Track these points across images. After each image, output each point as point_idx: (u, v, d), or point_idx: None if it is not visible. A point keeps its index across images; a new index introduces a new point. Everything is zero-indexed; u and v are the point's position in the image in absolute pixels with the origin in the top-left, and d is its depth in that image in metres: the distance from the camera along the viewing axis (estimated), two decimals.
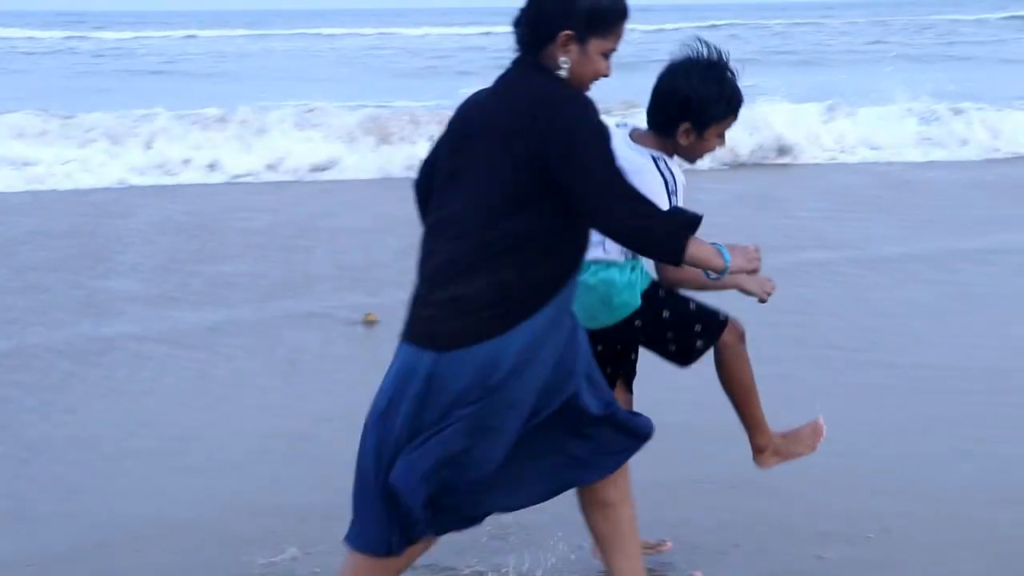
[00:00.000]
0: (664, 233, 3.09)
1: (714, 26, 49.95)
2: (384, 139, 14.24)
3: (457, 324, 3.06)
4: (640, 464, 3.48)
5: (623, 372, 3.82)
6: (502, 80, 3.17)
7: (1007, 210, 11.03)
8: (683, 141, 3.60)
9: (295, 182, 13.29)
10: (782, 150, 14.73)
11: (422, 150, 11.61)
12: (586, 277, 3.47)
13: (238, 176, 13.44)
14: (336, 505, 3.63)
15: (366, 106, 16.67)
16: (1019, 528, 4.29)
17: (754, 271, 3.29)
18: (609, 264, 3.58)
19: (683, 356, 3.67)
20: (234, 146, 13.97)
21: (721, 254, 3.16)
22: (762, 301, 3.63)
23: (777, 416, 3.86)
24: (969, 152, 15.13)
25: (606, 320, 3.62)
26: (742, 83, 3.65)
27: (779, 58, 32.95)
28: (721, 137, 3.65)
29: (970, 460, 4.94)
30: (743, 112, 3.69)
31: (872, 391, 5.84)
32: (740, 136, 13.48)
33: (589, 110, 3.07)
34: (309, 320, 7.36)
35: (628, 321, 3.63)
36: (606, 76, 3.17)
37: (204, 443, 5.30)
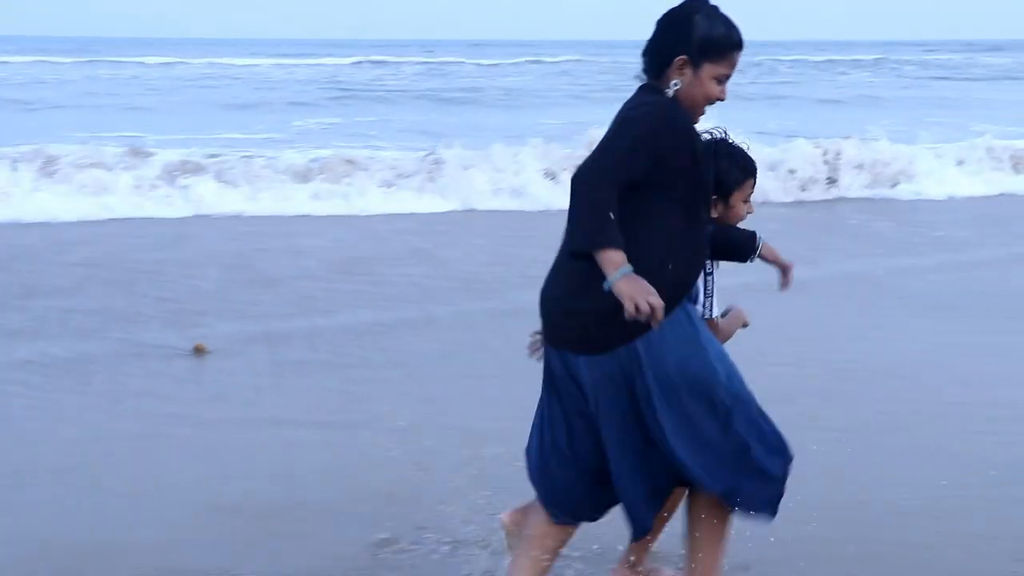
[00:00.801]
0: (580, 219, 3.35)
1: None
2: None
3: None
4: None
5: None
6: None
7: None
8: (715, 214, 3.87)
9: (112, 220, 12.74)
10: None
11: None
12: None
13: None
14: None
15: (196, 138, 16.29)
16: None
17: (633, 307, 3.24)
18: None
19: None
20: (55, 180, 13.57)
21: (616, 270, 3.27)
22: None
23: None
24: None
25: None
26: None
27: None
28: (747, 202, 3.98)
29: None
30: None
31: None
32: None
33: (646, 109, 3.46)
34: (134, 351, 7.27)
35: None
36: (721, 100, 3.54)
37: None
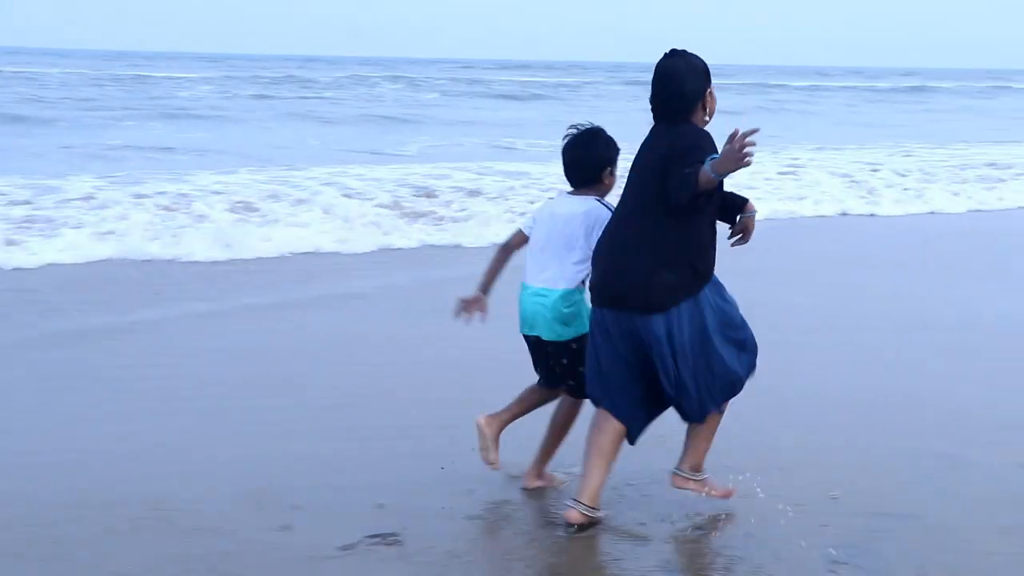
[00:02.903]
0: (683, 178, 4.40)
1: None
2: None
3: None
4: None
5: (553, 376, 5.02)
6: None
7: None
8: (608, 181, 4.97)
9: None
10: None
11: None
12: (557, 294, 4.85)
13: None
14: None
15: None
16: None
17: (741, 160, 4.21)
18: (580, 291, 4.87)
19: (556, 381, 5.00)
20: None
21: (708, 168, 4.32)
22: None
23: None
24: None
25: (561, 334, 4.88)
26: None
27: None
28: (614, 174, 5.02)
29: None
30: None
31: None
32: None
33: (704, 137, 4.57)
34: None
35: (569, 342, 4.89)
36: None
37: None
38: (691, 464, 4.89)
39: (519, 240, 5.05)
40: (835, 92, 57.65)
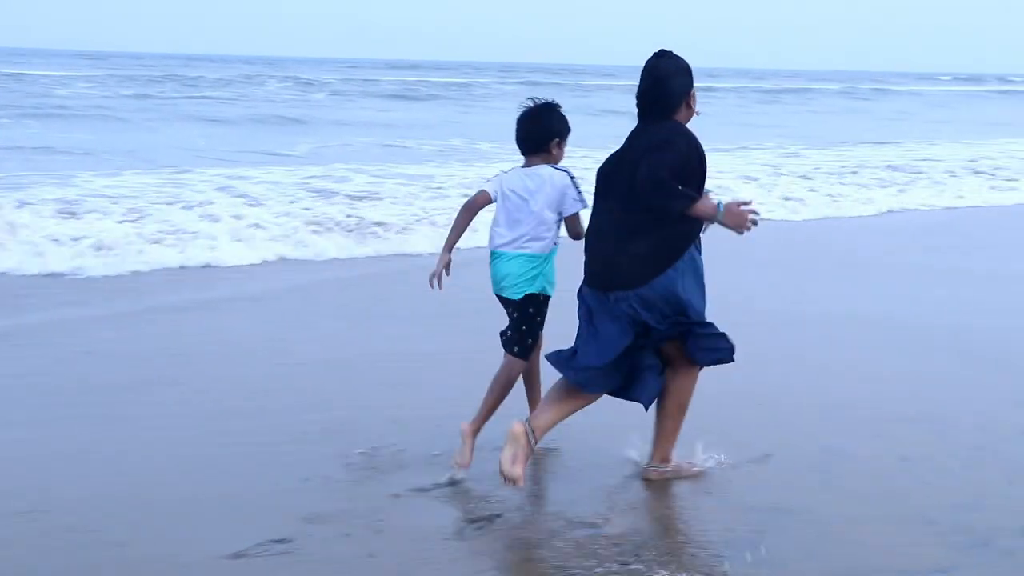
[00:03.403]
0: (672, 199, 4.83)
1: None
2: None
3: None
4: None
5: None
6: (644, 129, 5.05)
7: None
8: (557, 152, 5.38)
9: None
10: None
11: None
12: (524, 257, 5.28)
13: None
14: None
15: None
16: None
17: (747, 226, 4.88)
18: (550, 258, 5.34)
19: (516, 341, 5.38)
20: None
21: (716, 212, 4.84)
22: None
23: None
24: None
25: (524, 289, 5.30)
26: None
27: None
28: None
29: None
30: None
31: None
32: None
33: (685, 136, 4.96)
34: None
35: (532, 299, 5.32)
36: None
37: None
38: (660, 457, 5.24)
39: (483, 200, 5.38)
40: (725, 93, 58.65)
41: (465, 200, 5.45)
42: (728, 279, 10.01)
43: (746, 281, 10.15)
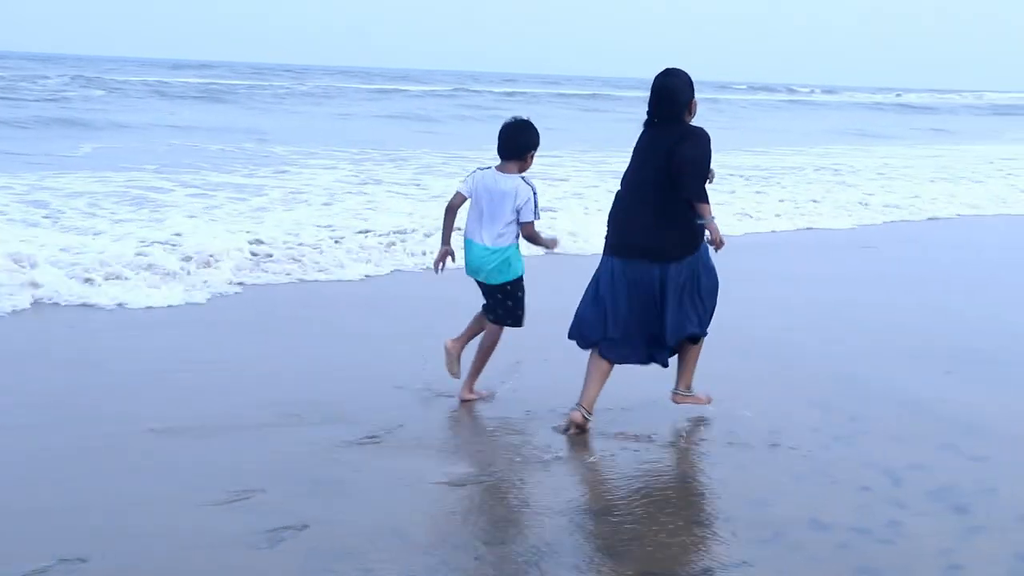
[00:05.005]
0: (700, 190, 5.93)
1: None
2: None
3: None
4: None
5: (490, 307, 6.61)
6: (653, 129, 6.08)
7: None
8: (529, 161, 6.47)
9: None
10: None
11: None
12: (498, 250, 6.39)
13: None
14: None
15: None
16: None
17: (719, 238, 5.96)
18: (515, 246, 6.45)
19: (503, 318, 6.57)
20: None
21: (710, 215, 5.93)
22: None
23: None
24: None
25: (500, 278, 6.44)
26: None
27: None
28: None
29: None
30: None
31: None
32: None
33: (705, 135, 5.99)
34: None
35: (505, 284, 6.48)
36: None
37: None
38: (685, 384, 6.40)
39: (460, 200, 6.49)
40: (531, 99, 59.05)
41: (445, 204, 6.54)
42: None
43: None
